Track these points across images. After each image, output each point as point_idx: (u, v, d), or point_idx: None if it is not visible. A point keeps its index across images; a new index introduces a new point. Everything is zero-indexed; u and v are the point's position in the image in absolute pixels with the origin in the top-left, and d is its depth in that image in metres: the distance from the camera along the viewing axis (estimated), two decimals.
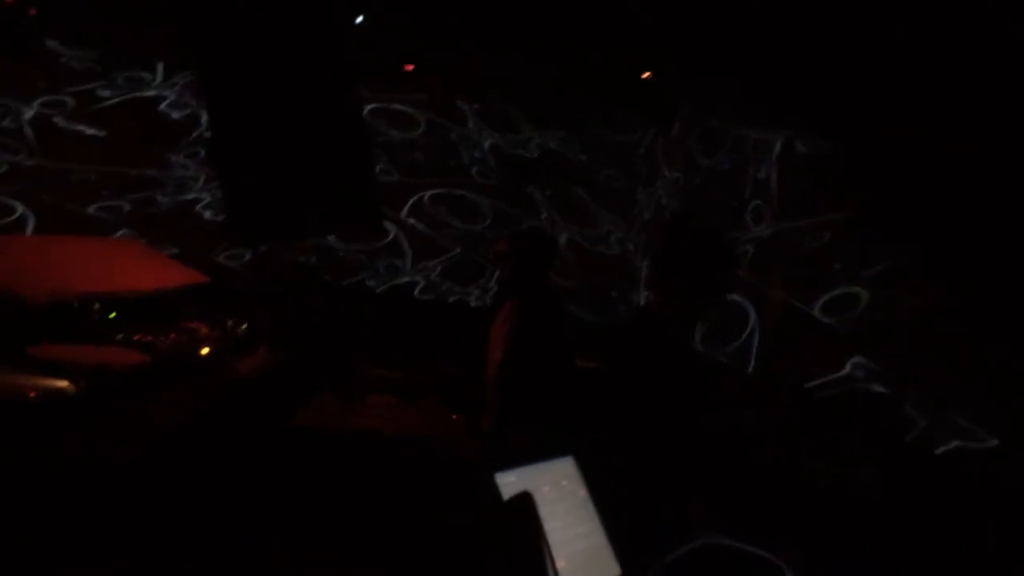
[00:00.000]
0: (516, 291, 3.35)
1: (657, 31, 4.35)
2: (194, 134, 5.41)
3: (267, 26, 4.53)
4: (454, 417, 3.73)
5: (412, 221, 5.67)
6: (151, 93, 5.37)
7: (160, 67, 5.40)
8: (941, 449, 2.82)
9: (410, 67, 5.49)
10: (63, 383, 2.60)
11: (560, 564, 1.52)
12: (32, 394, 2.49)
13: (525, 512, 1.28)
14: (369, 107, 5.46)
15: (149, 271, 3.91)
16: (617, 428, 2.28)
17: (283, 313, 4.70)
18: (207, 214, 5.43)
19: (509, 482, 1.58)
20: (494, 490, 1.45)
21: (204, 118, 5.24)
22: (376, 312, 5.43)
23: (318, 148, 5.22)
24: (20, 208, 5.09)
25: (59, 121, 5.21)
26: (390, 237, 5.64)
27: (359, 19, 4.67)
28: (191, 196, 5.43)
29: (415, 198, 5.66)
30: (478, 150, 5.72)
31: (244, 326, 3.87)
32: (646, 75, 5.29)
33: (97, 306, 3.41)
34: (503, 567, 1.17)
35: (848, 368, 3.48)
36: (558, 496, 1.67)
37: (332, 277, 5.59)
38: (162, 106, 5.39)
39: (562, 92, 5.52)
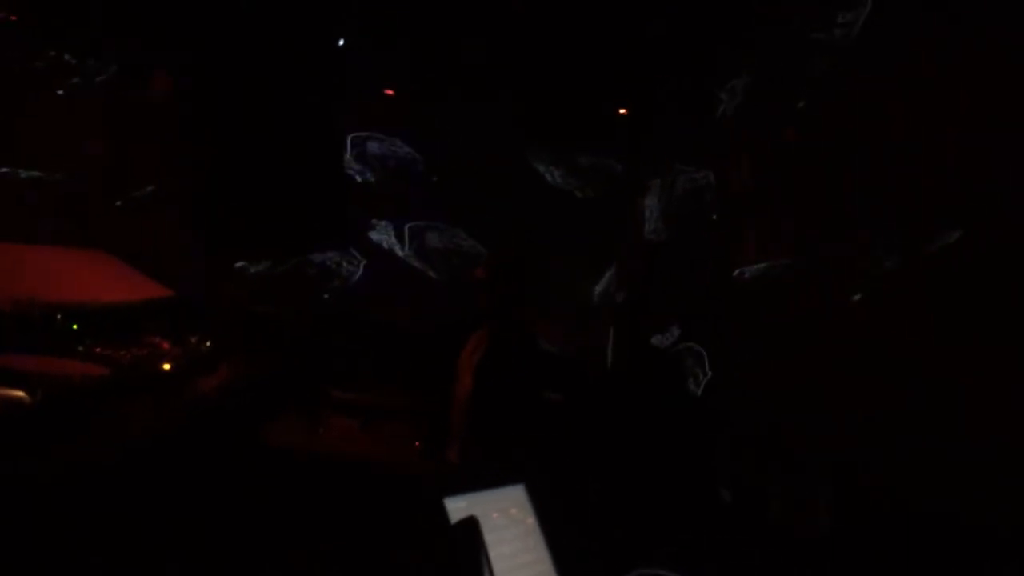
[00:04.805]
0: (490, 318, 3.25)
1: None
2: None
3: (250, 49, 4.59)
4: (416, 444, 3.72)
5: (385, 245, 5.68)
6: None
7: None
8: None
9: (390, 92, 5.55)
10: (20, 393, 2.56)
11: None
12: None
13: (470, 537, 1.30)
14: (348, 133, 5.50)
15: (114, 283, 3.88)
16: (574, 460, 2.29)
17: (251, 331, 4.68)
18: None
19: (459, 507, 1.59)
20: (442, 514, 1.46)
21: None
22: (346, 335, 5.40)
23: (295, 171, 5.28)
24: None
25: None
26: (361, 261, 5.65)
27: (340, 42, 4.74)
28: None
29: (389, 222, 5.68)
30: (458, 176, 5.72)
31: (207, 343, 3.85)
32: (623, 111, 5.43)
33: (59, 316, 3.37)
34: None
35: None
36: (507, 523, 1.68)
37: (301, 298, 5.57)
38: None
39: (542, 119, 5.55)
